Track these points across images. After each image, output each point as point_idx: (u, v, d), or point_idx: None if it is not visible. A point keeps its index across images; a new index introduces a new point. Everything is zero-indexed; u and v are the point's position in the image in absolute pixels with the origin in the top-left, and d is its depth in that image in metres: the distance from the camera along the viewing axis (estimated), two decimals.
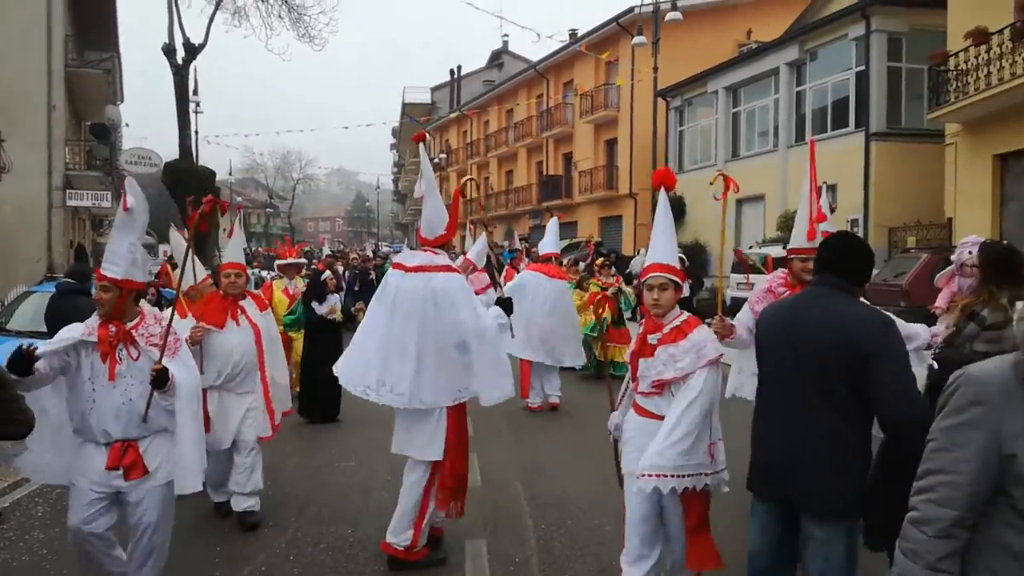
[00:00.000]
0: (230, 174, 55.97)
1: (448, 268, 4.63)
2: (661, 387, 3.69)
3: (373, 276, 19.20)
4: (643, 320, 3.97)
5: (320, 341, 8.60)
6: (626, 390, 4.13)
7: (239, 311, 5.44)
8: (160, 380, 3.68)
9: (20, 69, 21.98)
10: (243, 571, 4.70)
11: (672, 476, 3.48)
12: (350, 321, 8.73)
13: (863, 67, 19.21)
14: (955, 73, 15.64)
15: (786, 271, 5.31)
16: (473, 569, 4.67)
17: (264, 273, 25.03)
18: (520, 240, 26.14)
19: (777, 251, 16.98)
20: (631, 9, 28.16)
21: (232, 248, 5.80)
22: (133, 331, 3.81)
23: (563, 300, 9.60)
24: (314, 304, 8.76)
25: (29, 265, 21.46)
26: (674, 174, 4.05)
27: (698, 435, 3.52)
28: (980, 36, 14.23)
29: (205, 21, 23.55)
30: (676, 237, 4.00)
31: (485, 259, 7.70)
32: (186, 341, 4.49)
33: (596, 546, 5.06)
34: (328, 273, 9.21)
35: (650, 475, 3.49)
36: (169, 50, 21.82)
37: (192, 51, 22.20)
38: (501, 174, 43.19)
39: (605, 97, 31.54)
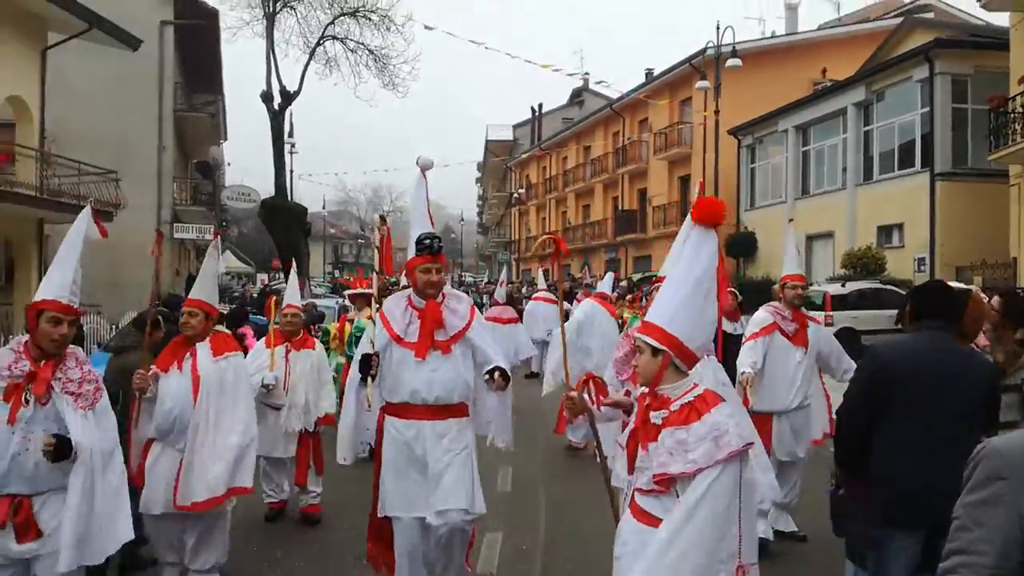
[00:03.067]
0: (323, 207, 58.71)
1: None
2: (666, 484, 2.75)
3: None
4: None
5: None
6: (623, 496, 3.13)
7: (186, 355, 4.67)
8: (57, 454, 3.24)
9: (134, 113, 24.28)
10: None
11: None
12: None
13: (928, 108, 19.46)
14: (1017, 115, 15.83)
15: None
16: (487, 555, 5.54)
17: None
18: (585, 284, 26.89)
19: (835, 288, 17.35)
20: (704, 50, 28.89)
21: (199, 284, 5.00)
22: (49, 372, 3.35)
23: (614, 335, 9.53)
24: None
25: (138, 291, 23.54)
26: (722, 209, 3.09)
27: (716, 554, 2.64)
28: None
29: (300, 69, 25.50)
30: (693, 290, 2.97)
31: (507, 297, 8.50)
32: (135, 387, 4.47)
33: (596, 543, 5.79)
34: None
35: None
36: (267, 97, 23.75)
37: (288, 97, 24.10)
38: (578, 208, 44.19)
39: (679, 135, 32.23)
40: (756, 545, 2.82)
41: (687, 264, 2.98)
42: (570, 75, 27.49)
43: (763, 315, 5.72)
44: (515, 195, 51.56)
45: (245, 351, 11.39)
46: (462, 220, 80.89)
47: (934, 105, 19.21)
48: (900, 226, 20.75)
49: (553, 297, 15.99)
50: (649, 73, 37.62)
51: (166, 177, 25.83)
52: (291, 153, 29.82)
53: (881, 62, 22.71)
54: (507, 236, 58.08)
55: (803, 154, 25.43)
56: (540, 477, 7.72)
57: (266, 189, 29.29)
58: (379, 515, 4.24)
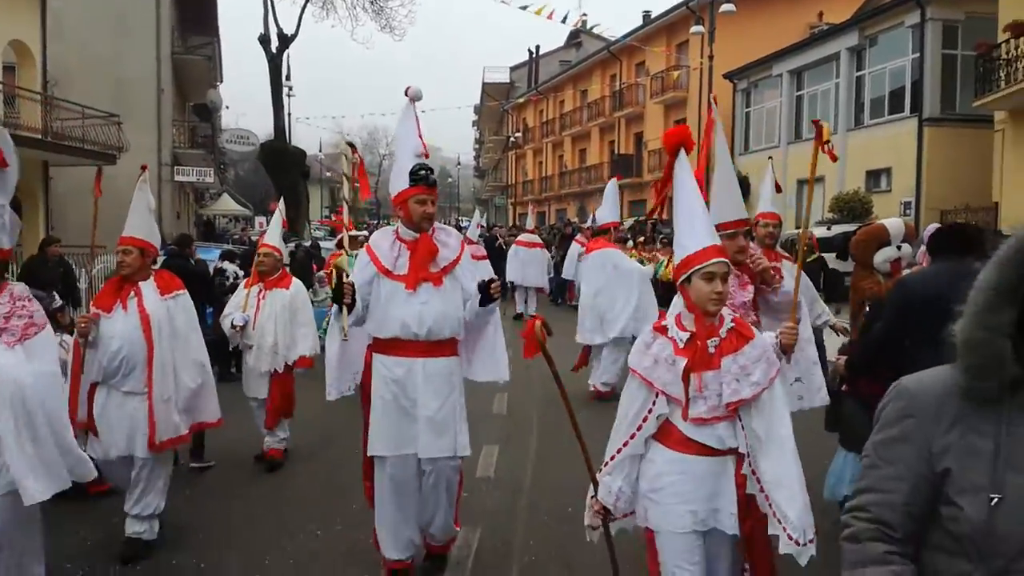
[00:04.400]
0: (320, 151, 58.59)
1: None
2: (735, 410, 2.86)
3: None
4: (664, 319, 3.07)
5: None
6: (634, 433, 2.98)
7: (131, 294, 4.54)
8: None
9: (133, 58, 24.41)
10: None
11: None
12: None
13: (918, 54, 19.74)
14: (1002, 62, 16.17)
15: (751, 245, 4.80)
16: (484, 462, 6.20)
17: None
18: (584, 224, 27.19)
19: (821, 231, 17.88)
20: None
21: (131, 220, 4.68)
22: None
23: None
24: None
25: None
26: (691, 135, 3.14)
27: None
28: (1018, 28, 14.80)
29: (297, 11, 25.52)
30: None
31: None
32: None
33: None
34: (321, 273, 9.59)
35: (811, 540, 2.81)
36: (265, 40, 23.87)
37: (285, 41, 24.23)
38: (575, 152, 44.37)
39: (675, 79, 32.36)
40: None
41: (687, 186, 3.11)
42: (561, 22, 27.15)
43: None
44: (512, 139, 51.60)
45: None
46: (458, 164, 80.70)
47: (924, 51, 19.50)
48: (888, 171, 21.18)
49: (535, 240, 16.37)
50: (647, 15, 37.51)
51: (165, 120, 26.04)
52: (288, 96, 29.98)
53: (874, 7, 22.86)
54: (504, 180, 58.26)
55: (797, 98, 25.70)
56: (533, 403, 8.35)
57: (262, 131, 29.54)
58: (367, 454, 4.18)
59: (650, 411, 2.92)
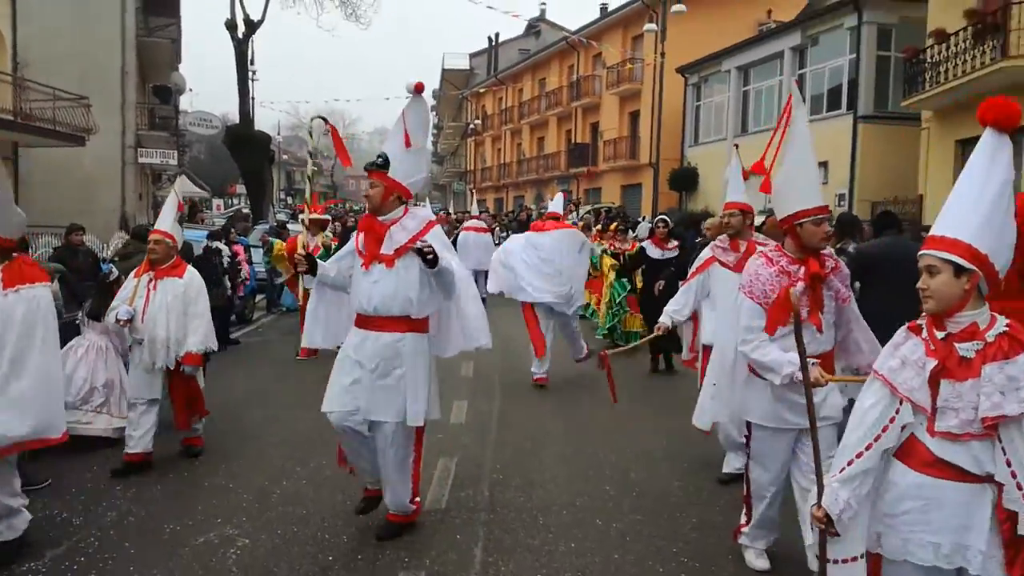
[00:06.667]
0: (278, 134, 58.61)
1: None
2: (993, 428, 2.49)
3: None
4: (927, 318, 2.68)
5: None
6: (871, 444, 2.64)
7: None
8: None
9: (97, 39, 24.58)
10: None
11: None
12: None
13: (855, 55, 21.10)
14: (928, 65, 17.54)
15: (775, 247, 4.01)
16: (456, 413, 7.19)
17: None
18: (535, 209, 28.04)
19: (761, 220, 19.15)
20: None
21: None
22: None
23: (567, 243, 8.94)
24: None
25: (106, 216, 24.31)
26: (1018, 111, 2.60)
27: None
28: (940, 36, 16.16)
29: None
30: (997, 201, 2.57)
31: None
32: None
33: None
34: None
35: None
36: (231, 25, 24.31)
37: (251, 27, 24.69)
38: (533, 140, 45.33)
39: (630, 72, 33.48)
40: None
41: (983, 170, 2.58)
42: (515, 16, 28.01)
43: (704, 252, 5.80)
44: (471, 126, 52.32)
45: (232, 269, 12.95)
46: None
47: (860, 52, 20.85)
48: (825, 164, 22.54)
49: (483, 226, 17.15)
50: (604, 8, 38.59)
51: (129, 103, 26.25)
52: (252, 80, 30.33)
53: (817, 9, 24.19)
54: (462, 166, 58.96)
55: (744, 94, 26.97)
56: (495, 368, 9.36)
57: (220, 112, 29.91)
58: (321, 410, 4.48)
59: (892, 420, 2.61)
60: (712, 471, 5.71)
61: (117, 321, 5.67)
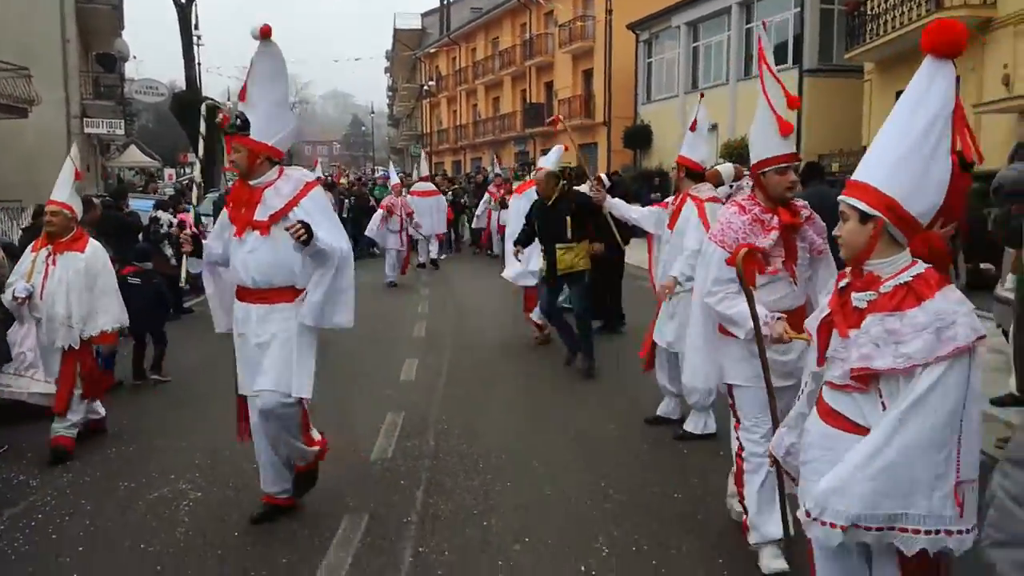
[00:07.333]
0: (228, 99, 57.41)
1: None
2: (866, 380, 2.41)
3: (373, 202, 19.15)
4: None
5: None
6: (805, 390, 2.73)
7: None
8: None
9: (35, 7, 23.93)
10: None
11: (869, 527, 2.33)
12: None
13: (799, 8, 21.40)
14: (869, 17, 17.90)
15: (747, 196, 3.81)
16: (407, 368, 7.42)
17: None
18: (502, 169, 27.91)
19: None
20: None
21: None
22: None
23: None
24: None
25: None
26: (963, 35, 2.40)
27: (930, 469, 2.28)
28: None
29: None
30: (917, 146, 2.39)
31: None
32: None
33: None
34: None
35: (823, 520, 2.38)
36: None
37: None
38: (489, 101, 45.17)
39: (583, 30, 33.46)
40: (977, 460, 2.33)
41: (910, 106, 2.42)
42: None
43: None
44: (425, 87, 51.85)
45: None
46: (372, 112, 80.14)
47: (804, 6, 21.16)
48: None
49: (430, 189, 17.10)
50: None
51: (72, 73, 25.66)
52: (198, 45, 29.74)
53: None
54: (419, 129, 58.54)
55: (693, 50, 27.19)
56: (448, 329, 9.61)
57: (166, 79, 29.33)
58: (238, 392, 4.39)
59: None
60: (648, 416, 6.02)
61: (14, 299, 5.31)
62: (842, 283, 2.57)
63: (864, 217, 2.42)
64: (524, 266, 8.50)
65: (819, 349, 2.58)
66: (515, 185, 12.39)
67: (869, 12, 17.89)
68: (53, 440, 5.41)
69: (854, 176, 2.50)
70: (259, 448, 4.31)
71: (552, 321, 7.84)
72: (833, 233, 2.57)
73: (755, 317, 3.06)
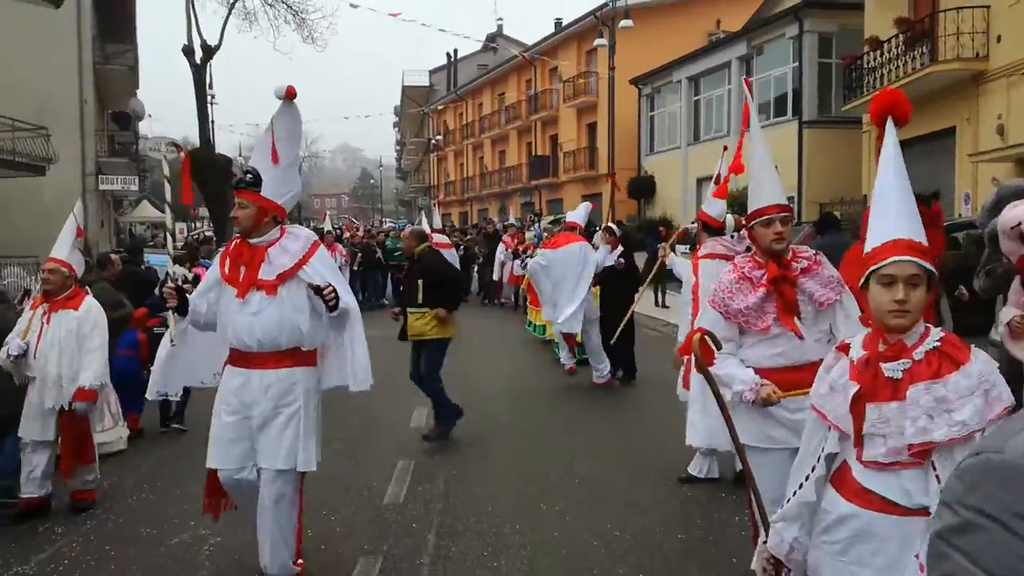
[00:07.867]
0: (240, 155, 58.51)
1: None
2: (923, 455, 2.24)
3: (380, 254, 19.03)
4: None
5: None
6: (812, 475, 2.45)
7: None
8: None
9: (55, 68, 24.66)
10: None
11: None
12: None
13: (797, 63, 21.95)
14: (866, 71, 18.38)
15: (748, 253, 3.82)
16: (417, 417, 7.59)
17: None
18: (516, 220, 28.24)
19: None
20: (605, 4, 30.74)
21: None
22: None
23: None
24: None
25: None
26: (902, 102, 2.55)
27: None
28: (874, 43, 16.97)
29: (219, 22, 26.17)
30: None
31: None
32: None
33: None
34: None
35: None
36: (188, 51, 24.54)
37: (209, 51, 24.93)
38: (495, 154, 45.98)
39: (586, 84, 34.24)
40: None
41: (896, 162, 2.41)
42: (466, 38, 28.28)
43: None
44: (433, 141, 52.82)
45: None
46: (380, 166, 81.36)
47: (803, 60, 21.71)
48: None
49: (445, 241, 17.19)
50: (558, 23, 39.41)
51: (88, 131, 26.33)
52: (211, 103, 30.52)
53: (761, 19, 25.10)
54: (426, 181, 59.42)
55: (695, 103, 27.79)
56: (459, 375, 9.79)
57: (178, 134, 30.04)
58: (207, 466, 4.13)
59: (823, 449, 2.44)
60: (655, 464, 6.16)
61: (8, 357, 5.17)
62: (857, 354, 2.38)
63: (931, 279, 2.28)
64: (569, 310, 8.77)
65: (855, 430, 2.33)
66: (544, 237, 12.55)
67: (866, 65, 18.37)
68: (73, 495, 5.50)
69: (895, 234, 2.29)
70: (264, 530, 4.04)
71: (420, 387, 7.30)
72: (899, 298, 2.24)
73: (717, 396, 2.91)
